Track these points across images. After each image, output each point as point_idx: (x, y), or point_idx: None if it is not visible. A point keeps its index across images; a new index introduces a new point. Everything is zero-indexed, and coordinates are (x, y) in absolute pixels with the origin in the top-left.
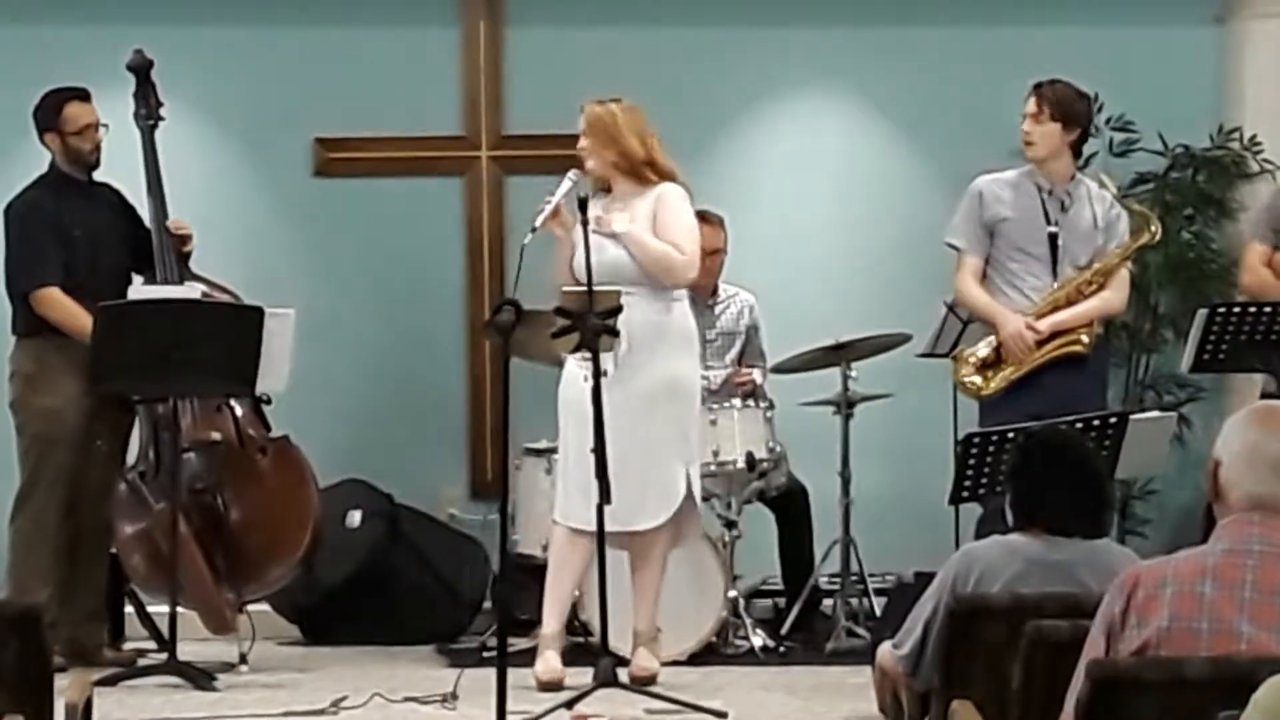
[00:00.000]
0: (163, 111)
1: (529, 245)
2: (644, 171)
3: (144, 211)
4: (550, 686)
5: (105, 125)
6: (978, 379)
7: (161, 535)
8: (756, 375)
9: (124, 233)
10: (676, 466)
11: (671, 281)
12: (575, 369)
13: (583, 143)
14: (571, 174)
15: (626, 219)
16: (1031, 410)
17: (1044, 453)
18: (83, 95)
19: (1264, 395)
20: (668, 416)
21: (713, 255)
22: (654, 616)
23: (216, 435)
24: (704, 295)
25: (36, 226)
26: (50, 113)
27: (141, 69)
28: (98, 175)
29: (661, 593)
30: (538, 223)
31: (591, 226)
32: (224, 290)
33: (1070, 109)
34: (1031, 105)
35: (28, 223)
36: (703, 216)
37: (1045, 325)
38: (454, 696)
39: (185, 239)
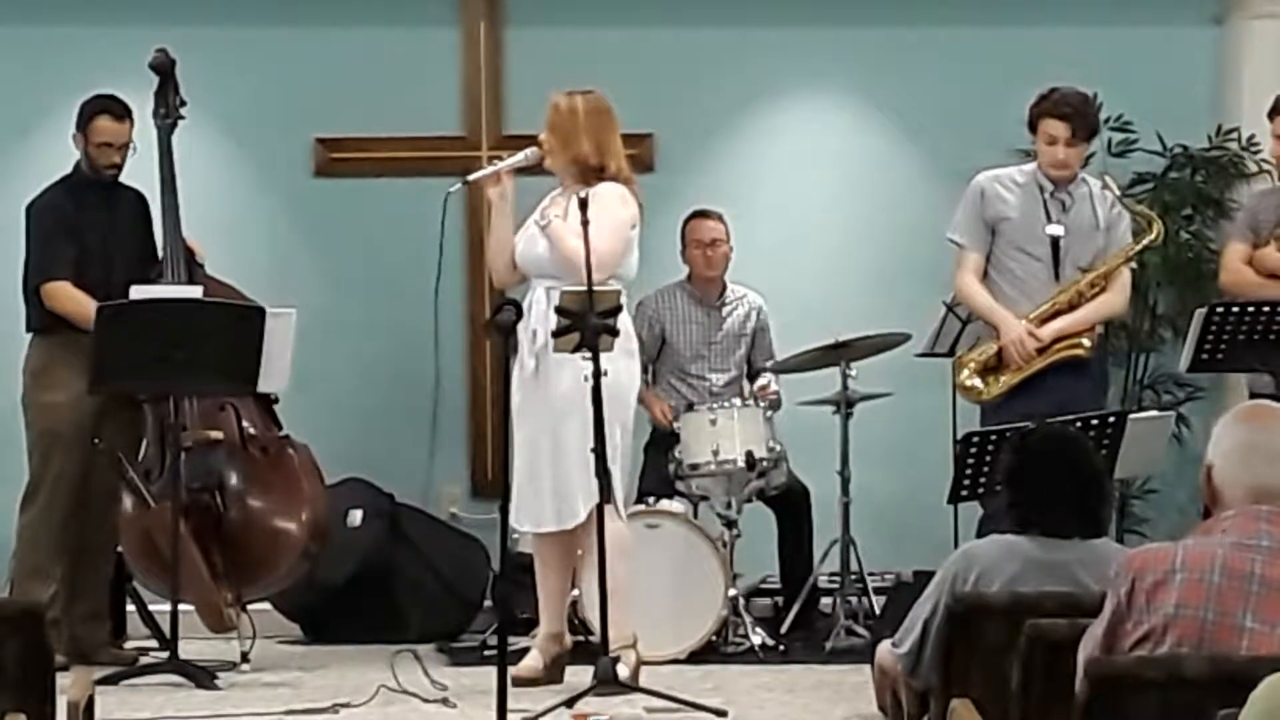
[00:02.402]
0: (183, 111)
1: (454, 195)
2: (591, 177)
3: (156, 211)
4: (519, 682)
5: (134, 146)
6: (978, 383)
7: (161, 534)
8: (773, 384)
9: (142, 237)
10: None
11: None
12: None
13: (543, 136)
14: (530, 150)
15: (559, 214)
16: (1032, 411)
17: (1042, 452)
18: (117, 112)
19: (1252, 396)
20: (586, 417)
21: (712, 245)
22: (624, 616)
23: (218, 434)
24: (711, 294)
25: (51, 225)
26: (85, 116)
27: (164, 67)
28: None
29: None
30: (471, 177)
31: (535, 218)
32: (235, 291)
33: (1095, 125)
34: (1064, 130)
35: (43, 221)
36: (702, 213)
37: (1047, 333)
38: (444, 688)
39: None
